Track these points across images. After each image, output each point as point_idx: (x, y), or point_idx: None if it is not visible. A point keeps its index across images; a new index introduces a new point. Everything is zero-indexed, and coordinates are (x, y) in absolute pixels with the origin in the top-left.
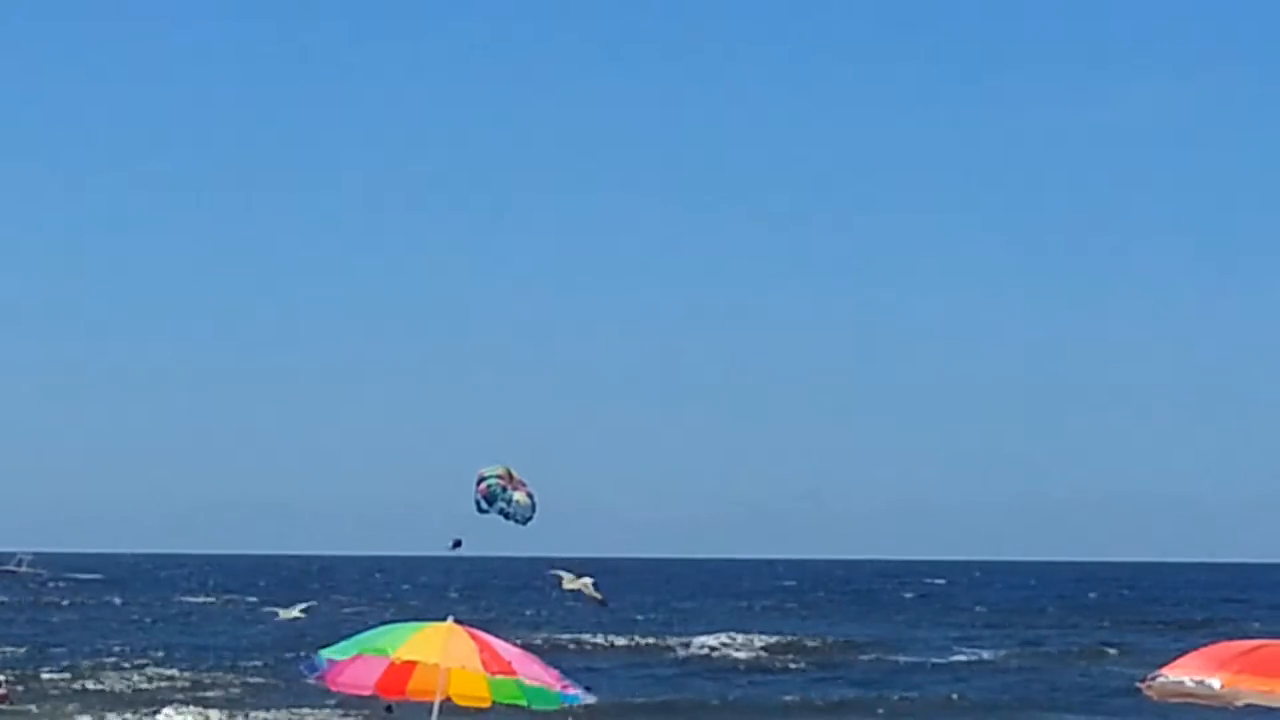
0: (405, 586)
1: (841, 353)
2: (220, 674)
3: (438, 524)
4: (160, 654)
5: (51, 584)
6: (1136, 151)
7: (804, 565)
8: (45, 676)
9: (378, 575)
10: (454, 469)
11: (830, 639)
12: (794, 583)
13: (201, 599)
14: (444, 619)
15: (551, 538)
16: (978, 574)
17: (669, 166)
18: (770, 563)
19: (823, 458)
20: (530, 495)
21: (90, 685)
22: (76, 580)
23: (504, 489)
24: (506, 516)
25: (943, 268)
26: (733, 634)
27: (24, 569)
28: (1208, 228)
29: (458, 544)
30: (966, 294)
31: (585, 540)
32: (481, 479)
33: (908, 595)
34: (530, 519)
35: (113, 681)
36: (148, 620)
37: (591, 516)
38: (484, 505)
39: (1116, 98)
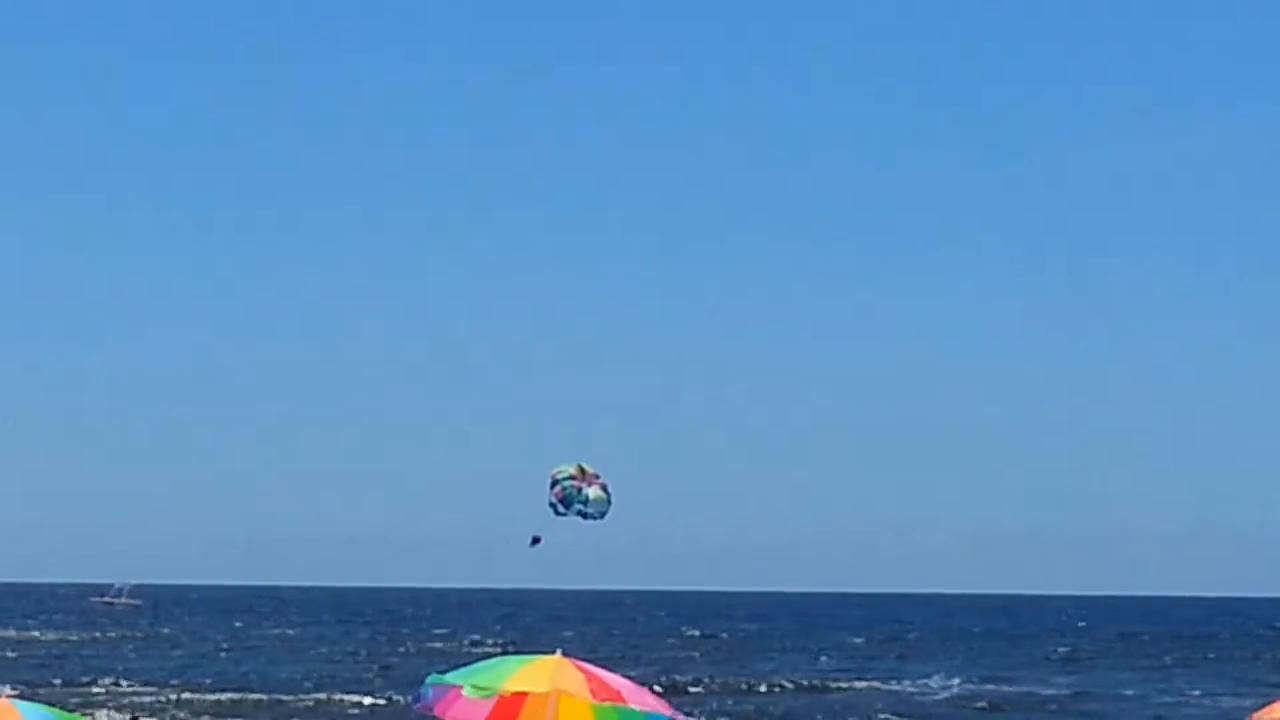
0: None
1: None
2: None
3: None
4: (250, 680)
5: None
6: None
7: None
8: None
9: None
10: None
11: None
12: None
13: (284, 630)
14: (553, 652)
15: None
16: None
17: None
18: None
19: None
20: (605, 488)
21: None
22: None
23: (578, 490)
24: (585, 516)
25: (1017, 300)
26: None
27: (122, 600)
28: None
29: (537, 540)
30: (1044, 325)
31: (669, 569)
32: (555, 482)
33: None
34: (606, 513)
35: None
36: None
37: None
38: (560, 509)
39: (1181, 127)
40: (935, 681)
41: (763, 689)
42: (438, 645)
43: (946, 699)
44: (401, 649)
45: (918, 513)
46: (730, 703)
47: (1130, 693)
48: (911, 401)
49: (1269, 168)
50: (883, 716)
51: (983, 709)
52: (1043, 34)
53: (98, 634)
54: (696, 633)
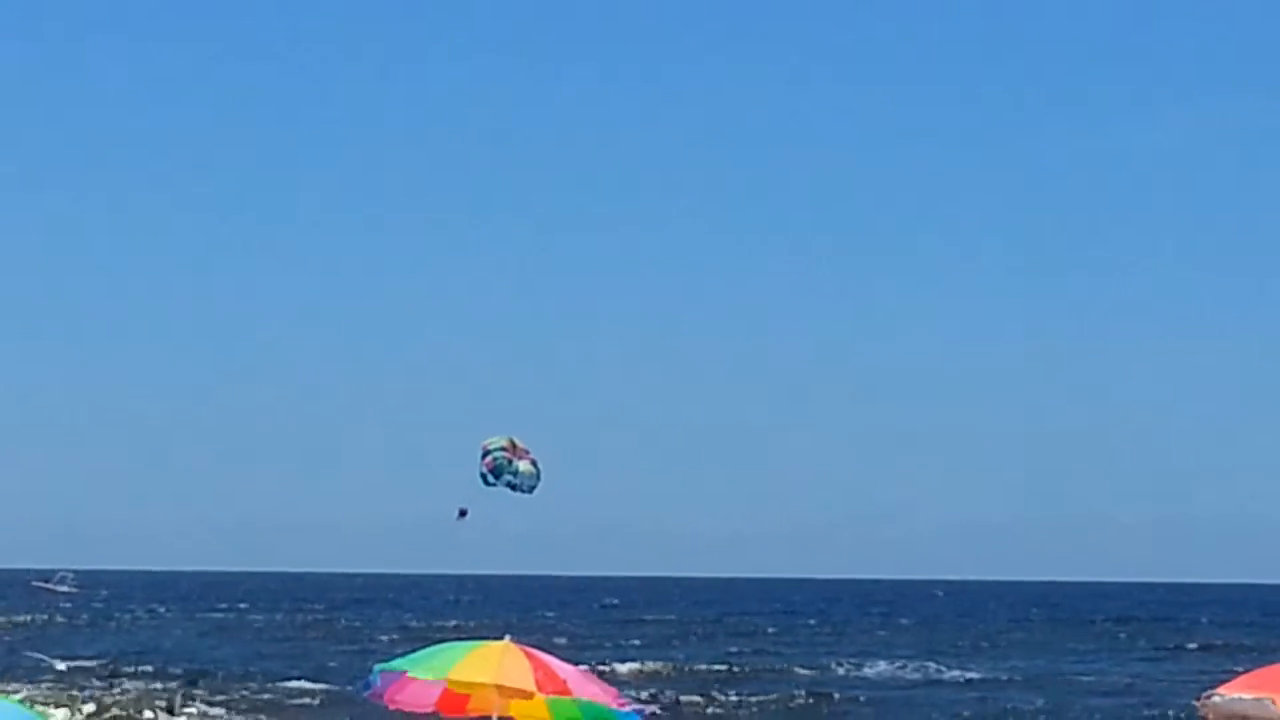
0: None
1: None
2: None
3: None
4: (198, 665)
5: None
6: (1178, 174)
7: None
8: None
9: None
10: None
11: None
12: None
13: (224, 612)
14: (501, 637)
15: (605, 556)
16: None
17: (712, 181)
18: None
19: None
20: (534, 463)
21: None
22: (114, 596)
23: (509, 461)
24: (513, 488)
25: (990, 290)
26: None
27: (65, 587)
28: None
29: (463, 514)
30: (1016, 316)
31: (643, 558)
32: (486, 452)
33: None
34: (535, 487)
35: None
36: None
37: (647, 535)
38: (490, 479)
39: (1143, 122)
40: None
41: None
42: (389, 633)
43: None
44: (351, 636)
45: (895, 503)
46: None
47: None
48: (892, 396)
49: (1253, 160)
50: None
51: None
52: (1034, 30)
53: (27, 617)
54: (648, 618)
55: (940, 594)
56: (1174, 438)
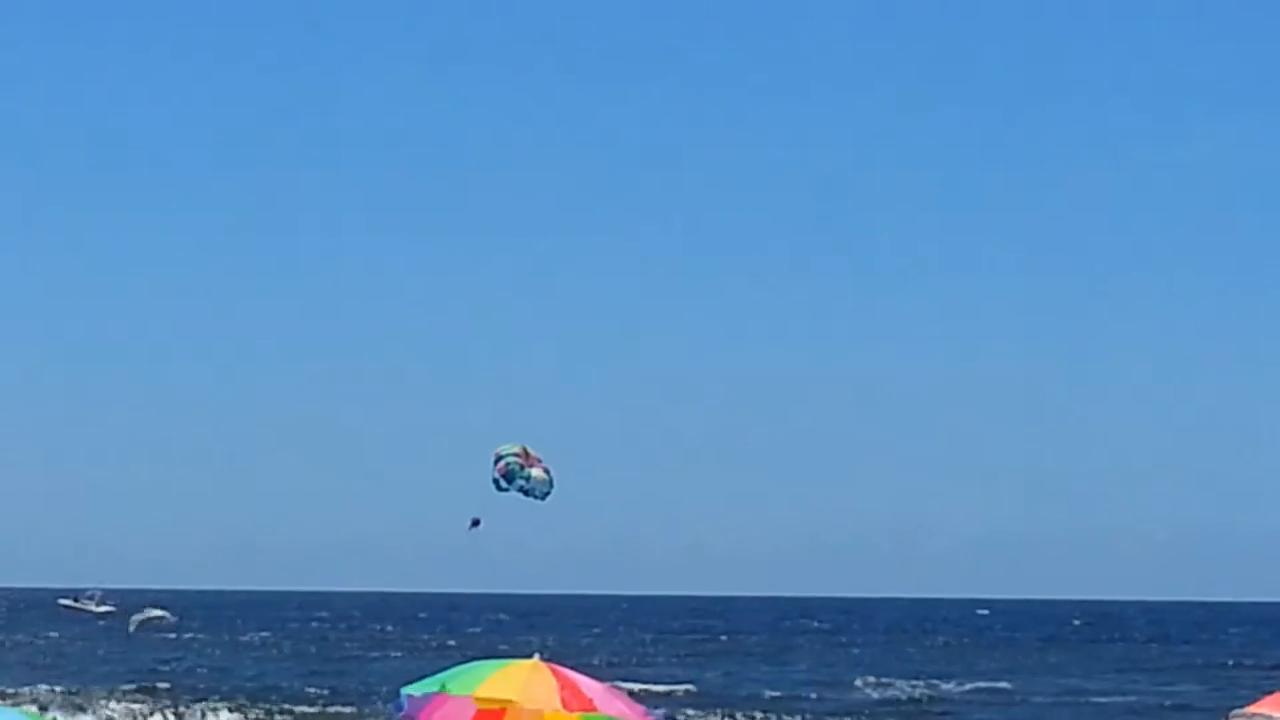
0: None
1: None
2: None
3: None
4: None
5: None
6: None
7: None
8: None
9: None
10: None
11: None
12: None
13: (266, 634)
14: (530, 656)
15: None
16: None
17: (712, 193)
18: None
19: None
20: (547, 471)
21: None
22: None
23: (521, 467)
24: (526, 494)
25: (1024, 305)
26: None
27: (96, 605)
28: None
29: (476, 523)
30: (1049, 332)
31: (673, 576)
32: (499, 458)
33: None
34: (549, 494)
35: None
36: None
37: (679, 552)
38: (503, 484)
39: (1198, 136)
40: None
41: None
42: (423, 653)
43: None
44: (379, 653)
45: (916, 519)
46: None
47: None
48: (907, 408)
49: (1265, 177)
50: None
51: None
52: (1044, 44)
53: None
54: (683, 636)
55: (985, 612)
56: (1210, 450)
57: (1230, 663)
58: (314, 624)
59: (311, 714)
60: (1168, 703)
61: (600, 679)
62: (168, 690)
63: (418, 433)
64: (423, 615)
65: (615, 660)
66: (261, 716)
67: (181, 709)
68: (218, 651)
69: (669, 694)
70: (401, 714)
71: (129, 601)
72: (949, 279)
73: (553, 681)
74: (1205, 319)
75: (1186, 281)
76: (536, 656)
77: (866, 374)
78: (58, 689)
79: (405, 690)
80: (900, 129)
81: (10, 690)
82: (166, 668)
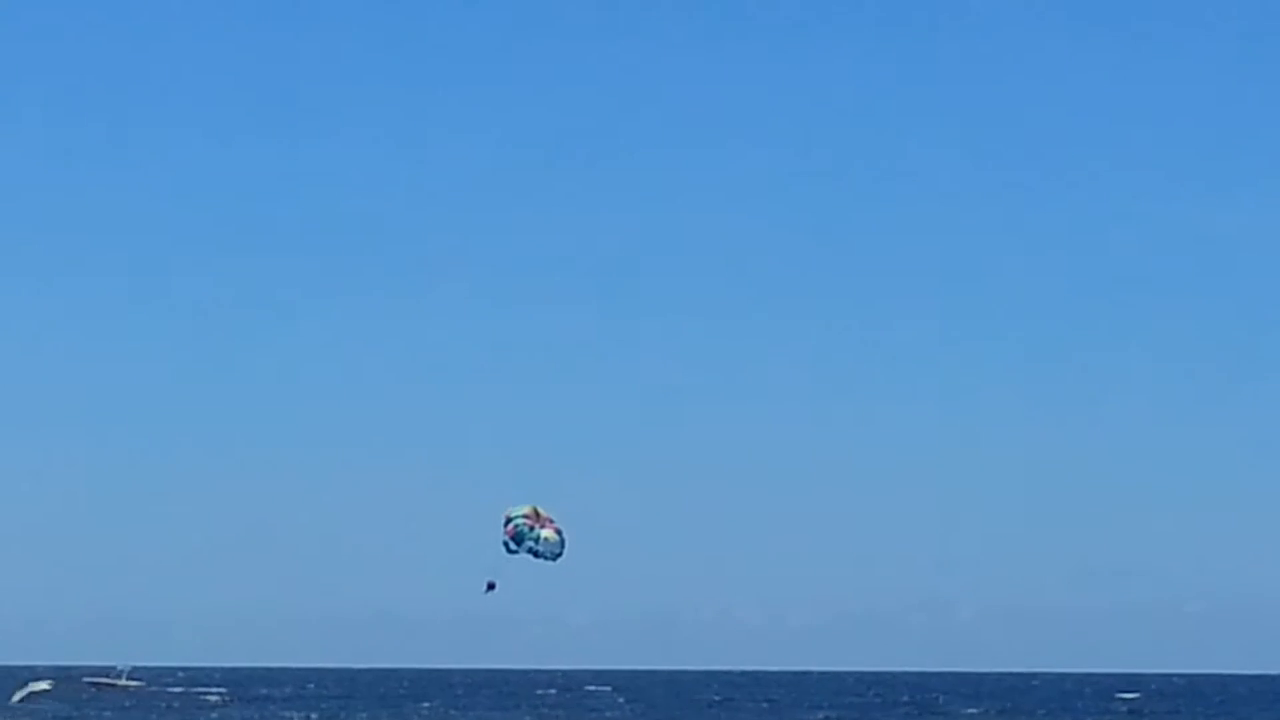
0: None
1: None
2: None
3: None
4: None
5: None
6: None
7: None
8: None
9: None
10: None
11: None
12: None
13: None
14: None
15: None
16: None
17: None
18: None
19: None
20: (559, 531)
21: None
22: (193, 694)
23: (531, 528)
24: (536, 555)
25: (1047, 373)
26: None
27: (124, 681)
28: None
29: (491, 587)
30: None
31: (703, 651)
32: (508, 520)
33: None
34: (560, 555)
35: None
36: None
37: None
38: (512, 546)
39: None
40: None
41: None
42: None
43: None
44: None
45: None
46: None
47: None
48: (936, 480)
49: None
50: None
51: None
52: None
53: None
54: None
55: (1036, 684)
56: (1239, 524)
57: None
58: (343, 699)
59: None
60: None
61: None
62: None
63: (475, 511)
64: (459, 693)
65: None
66: None
67: None
68: None
69: None
70: None
71: (153, 678)
72: (976, 352)
73: None
74: (1238, 397)
75: (1208, 351)
76: None
77: (901, 449)
78: None
79: None
80: (924, 183)
81: None
82: None
